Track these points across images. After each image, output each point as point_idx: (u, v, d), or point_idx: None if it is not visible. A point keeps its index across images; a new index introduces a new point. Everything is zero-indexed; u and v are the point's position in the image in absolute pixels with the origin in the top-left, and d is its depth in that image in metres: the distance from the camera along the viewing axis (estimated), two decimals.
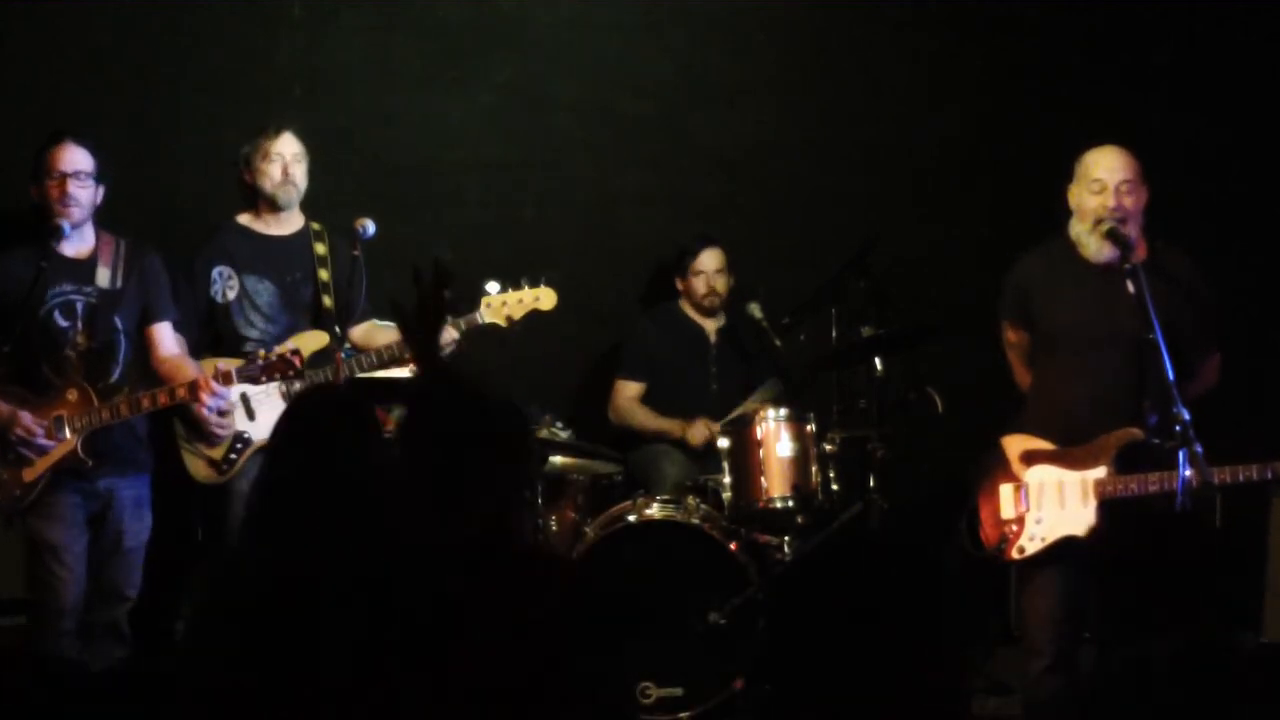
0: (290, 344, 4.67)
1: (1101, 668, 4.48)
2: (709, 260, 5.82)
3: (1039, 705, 4.35)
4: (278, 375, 4.59)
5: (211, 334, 5.00)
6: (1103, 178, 4.28)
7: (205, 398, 4.52)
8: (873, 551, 2.31)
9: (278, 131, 5.01)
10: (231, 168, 5.18)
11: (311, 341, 4.95)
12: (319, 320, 5.02)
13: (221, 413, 4.76)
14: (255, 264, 5.03)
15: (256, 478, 2.84)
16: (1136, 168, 4.31)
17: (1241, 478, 4.07)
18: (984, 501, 4.41)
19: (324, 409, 2.84)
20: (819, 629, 2.24)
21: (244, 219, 5.11)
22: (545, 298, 4.95)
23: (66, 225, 4.50)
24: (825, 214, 6.25)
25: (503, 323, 4.92)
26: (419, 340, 2.94)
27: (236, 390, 4.78)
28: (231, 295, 5.01)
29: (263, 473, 2.80)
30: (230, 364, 4.60)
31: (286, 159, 5.00)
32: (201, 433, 4.80)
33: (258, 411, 4.86)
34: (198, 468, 4.89)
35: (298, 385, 4.75)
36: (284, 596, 2.60)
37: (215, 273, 5.01)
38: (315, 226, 5.13)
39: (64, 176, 4.50)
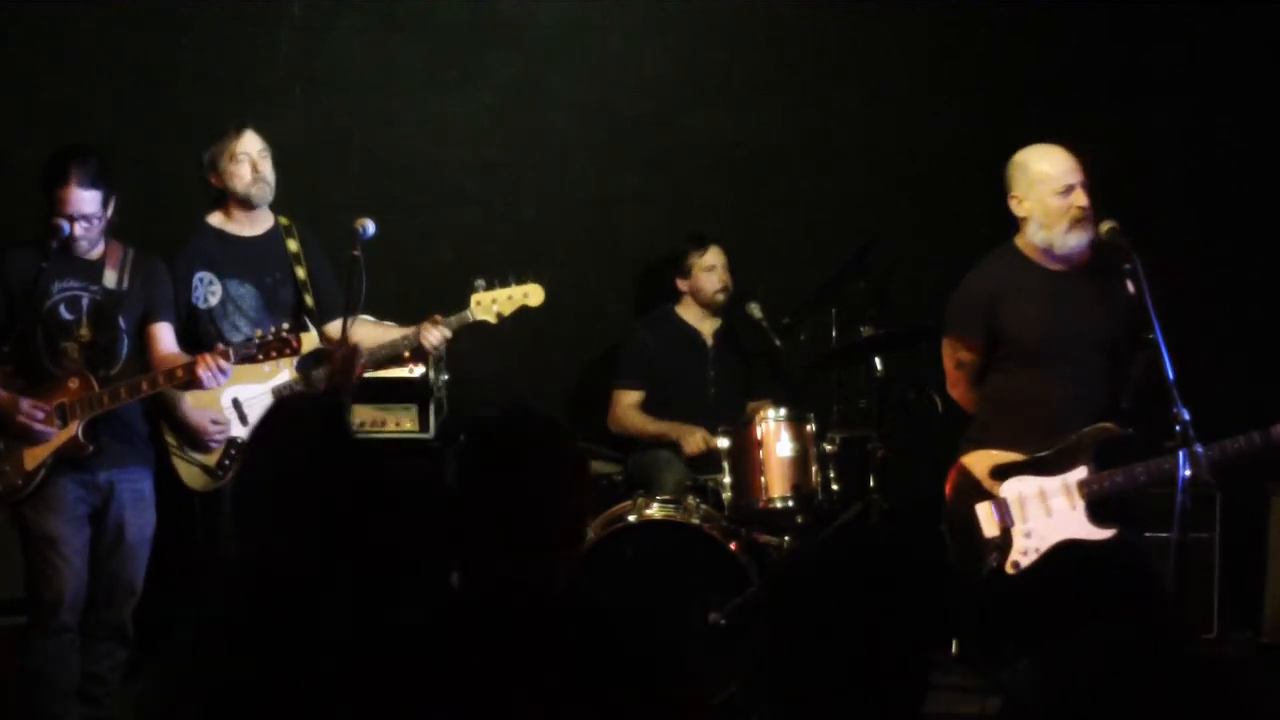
0: (285, 324, 4.66)
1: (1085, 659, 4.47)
2: (715, 256, 5.82)
3: (1032, 696, 4.34)
4: (274, 354, 4.57)
5: (193, 339, 4.91)
6: (1071, 181, 4.29)
7: (202, 371, 4.48)
8: (872, 551, 2.31)
9: (239, 131, 4.93)
10: None
11: (303, 344, 4.93)
12: (302, 321, 4.99)
13: (215, 421, 4.77)
14: (235, 268, 4.98)
15: (234, 480, 2.88)
16: (1082, 161, 4.34)
17: (1230, 450, 4.04)
18: (955, 526, 4.38)
19: (298, 413, 2.89)
20: (820, 628, 2.24)
21: (215, 220, 5.03)
22: (534, 294, 4.92)
23: (65, 226, 4.50)
24: (825, 214, 6.25)
25: (493, 319, 4.90)
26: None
27: (229, 395, 4.79)
28: (214, 300, 4.95)
29: (239, 474, 2.83)
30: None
31: (254, 156, 4.93)
32: (193, 439, 4.80)
33: (250, 415, 4.84)
34: (192, 475, 4.86)
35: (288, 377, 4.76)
36: (264, 593, 2.62)
37: (196, 278, 4.95)
38: (284, 222, 5.08)
39: (73, 219, 4.51)
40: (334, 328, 5.03)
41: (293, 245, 5.04)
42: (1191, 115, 6.18)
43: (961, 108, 6.27)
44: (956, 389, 4.60)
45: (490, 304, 4.87)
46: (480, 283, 4.83)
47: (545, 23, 6.18)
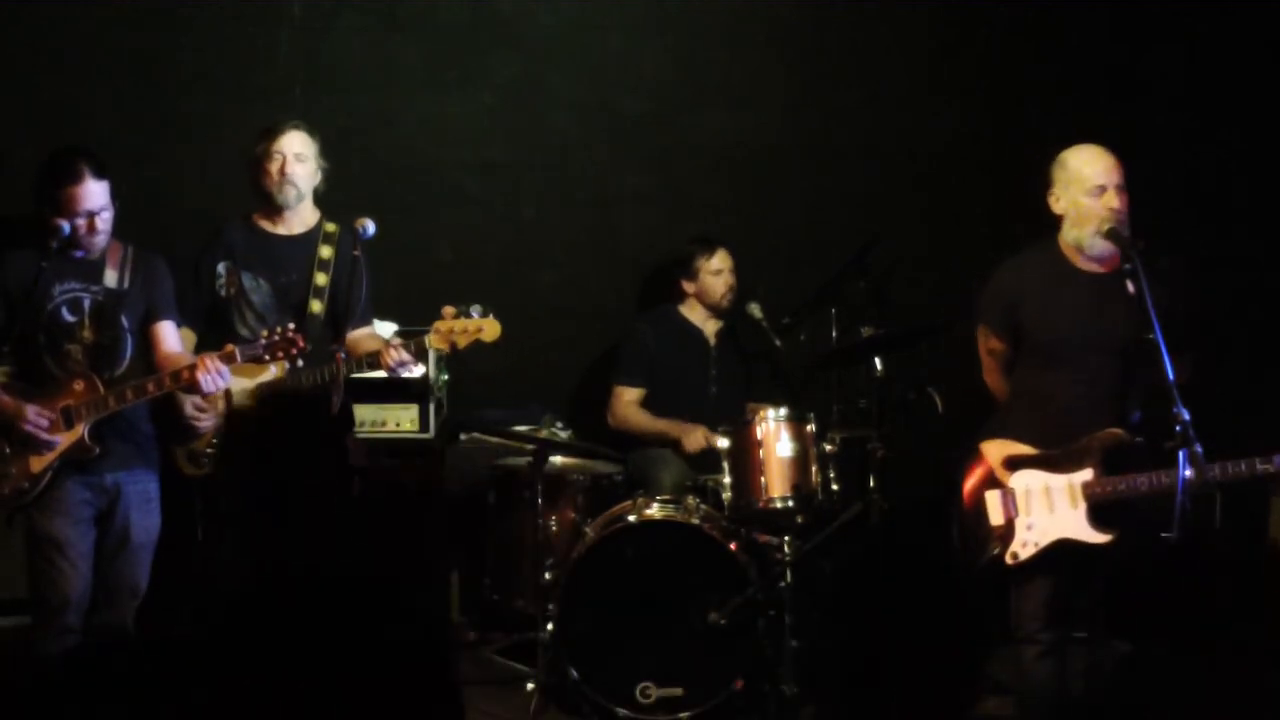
0: (291, 325, 4.65)
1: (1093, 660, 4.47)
2: (723, 260, 5.83)
3: (1032, 692, 4.35)
4: (280, 354, 4.57)
5: (212, 327, 4.98)
6: (1103, 182, 4.28)
7: (200, 376, 4.49)
8: (873, 551, 2.31)
9: (281, 129, 4.99)
10: (233, 167, 5.18)
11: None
12: (303, 324, 4.97)
13: (200, 408, 4.77)
14: (253, 261, 5.02)
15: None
16: (1121, 165, 4.33)
17: (1243, 468, 4.04)
18: (968, 511, 4.40)
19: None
20: (820, 627, 2.25)
21: (256, 216, 5.09)
22: (489, 329, 4.87)
23: (66, 226, 4.50)
24: (825, 214, 6.26)
25: (446, 349, 4.89)
26: None
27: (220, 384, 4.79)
28: (232, 291, 5.02)
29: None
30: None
31: (286, 157, 4.97)
32: (178, 428, 4.81)
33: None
34: (180, 460, 4.91)
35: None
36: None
37: (219, 268, 5.03)
38: (328, 228, 5.09)
39: (91, 215, 4.50)
40: (352, 335, 5.04)
41: (325, 251, 5.04)
42: (1191, 115, 6.19)
43: (961, 108, 6.28)
44: (990, 376, 4.61)
45: (447, 333, 4.84)
46: (449, 310, 4.82)
47: (545, 23, 6.19)
